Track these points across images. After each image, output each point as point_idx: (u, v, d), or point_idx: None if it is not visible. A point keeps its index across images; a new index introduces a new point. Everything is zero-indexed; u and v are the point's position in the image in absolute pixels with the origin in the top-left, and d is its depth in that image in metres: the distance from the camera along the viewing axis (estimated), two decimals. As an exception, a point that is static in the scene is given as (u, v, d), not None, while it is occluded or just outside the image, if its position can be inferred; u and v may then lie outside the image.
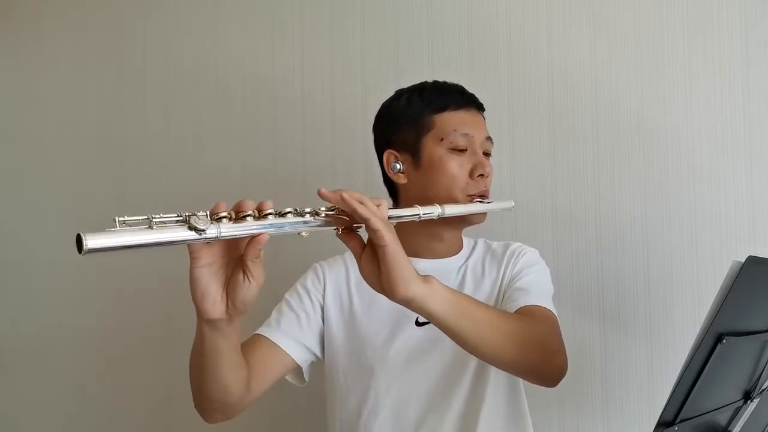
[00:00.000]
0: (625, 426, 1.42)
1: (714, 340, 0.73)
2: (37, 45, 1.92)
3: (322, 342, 1.13)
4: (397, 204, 1.18)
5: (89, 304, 1.83)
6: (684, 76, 1.42)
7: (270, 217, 0.75)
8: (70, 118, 1.88)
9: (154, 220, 0.67)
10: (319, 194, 0.81)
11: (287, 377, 1.11)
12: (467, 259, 1.17)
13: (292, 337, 1.08)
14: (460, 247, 1.19)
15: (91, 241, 0.62)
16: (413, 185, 1.13)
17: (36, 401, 1.88)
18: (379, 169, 1.18)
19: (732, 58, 1.40)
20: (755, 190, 1.38)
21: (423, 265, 1.13)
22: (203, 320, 0.82)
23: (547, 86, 1.50)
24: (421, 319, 1.09)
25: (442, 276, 1.13)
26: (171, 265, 1.74)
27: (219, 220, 0.71)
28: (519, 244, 1.19)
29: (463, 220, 1.12)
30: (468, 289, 1.13)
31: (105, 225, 0.65)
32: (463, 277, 1.15)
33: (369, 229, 0.80)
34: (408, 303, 0.82)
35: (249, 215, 0.74)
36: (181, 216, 0.69)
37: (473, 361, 1.07)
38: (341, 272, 1.15)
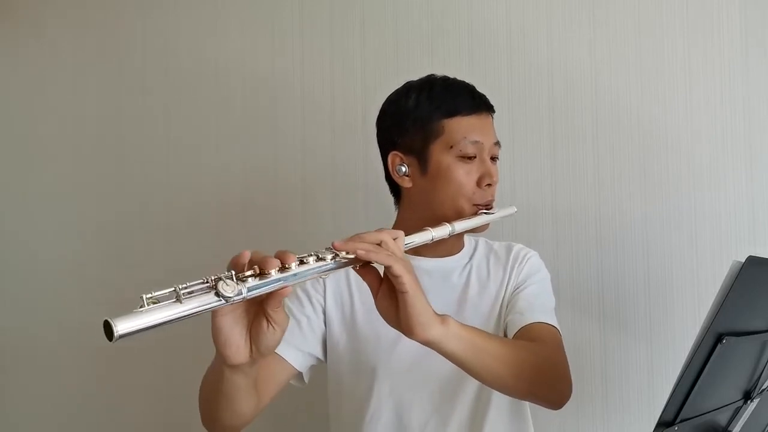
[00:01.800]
0: (625, 426, 1.42)
1: (714, 340, 0.73)
2: (37, 45, 1.92)
3: (325, 345, 1.12)
4: (399, 203, 1.17)
5: (89, 303, 1.82)
6: (684, 76, 1.42)
7: (293, 266, 0.74)
8: (70, 118, 1.88)
9: (181, 291, 0.66)
10: (334, 247, 0.79)
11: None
12: (471, 258, 1.17)
13: (294, 345, 1.07)
14: (462, 245, 1.18)
15: (121, 326, 0.60)
16: (418, 190, 1.11)
17: (36, 401, 1.87)
18: (380, 166, 1.16)
19: (732, 58, 1.40)
20: (755, 190, 1.38)
21: (426, 264, 1.12)
22: (226, 366, 0.80)
23: (547, 86, 1.50)
24: None
25: (447, 275, 1.13)
26: (172, 264, 1.74)
27: (245, 279, 0.71)
28: (521, 246, 1.18)
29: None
30: (473, 290, 1.12)
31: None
32: (468, 276, 1.14)
33: (390, 274, 0.79)
34: (426, 344, 0.82)
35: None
36: (207, 281, 0.69)
37: None
38: (341, 273, 1.11)
